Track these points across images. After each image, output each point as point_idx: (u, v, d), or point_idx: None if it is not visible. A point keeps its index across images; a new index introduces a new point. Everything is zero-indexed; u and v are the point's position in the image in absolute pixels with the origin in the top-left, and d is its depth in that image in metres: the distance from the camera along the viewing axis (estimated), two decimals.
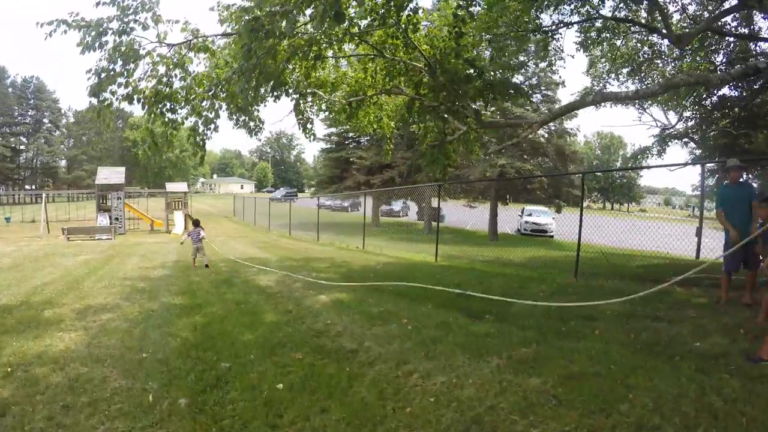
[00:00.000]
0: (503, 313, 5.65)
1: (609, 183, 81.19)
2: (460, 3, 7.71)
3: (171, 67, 6.41)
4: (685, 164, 22.44)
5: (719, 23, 11.29)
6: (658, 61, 14.62)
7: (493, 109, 19.98)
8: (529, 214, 28.24)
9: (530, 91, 23.86)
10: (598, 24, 11.76)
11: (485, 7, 10.03)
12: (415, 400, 3.27)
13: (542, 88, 25.79)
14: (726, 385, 3.28)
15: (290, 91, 8.79)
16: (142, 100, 6.32)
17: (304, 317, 5.75)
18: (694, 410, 2.94)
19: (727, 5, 10.71)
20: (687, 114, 17.21)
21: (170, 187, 27.74)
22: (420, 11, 8.45)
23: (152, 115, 6.47)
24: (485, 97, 9.17)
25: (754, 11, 10.79)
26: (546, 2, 10.06)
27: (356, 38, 8.62)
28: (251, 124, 8.79)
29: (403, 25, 7.74)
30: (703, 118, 16.01)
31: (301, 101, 10.73)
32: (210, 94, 6.95)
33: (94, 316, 5.65)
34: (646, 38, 13.59)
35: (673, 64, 14.65)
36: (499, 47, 11.46)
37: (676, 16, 12.56)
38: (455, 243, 18.34)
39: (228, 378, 3.69)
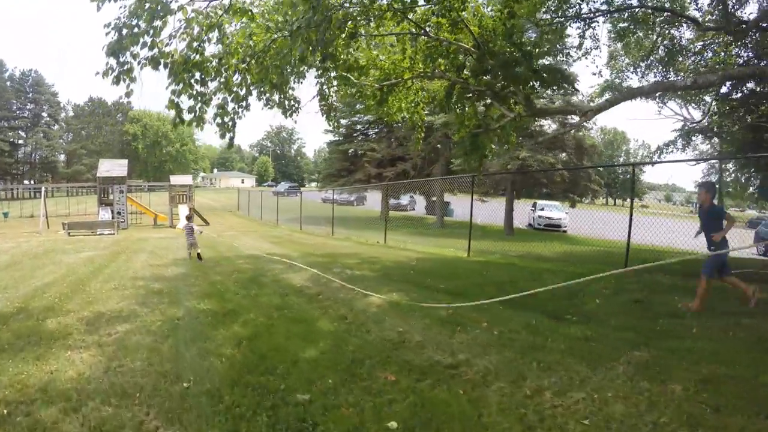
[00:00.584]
0: (583, 313, 5.26)
1: (612, 179, 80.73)
2: None
3: (205, 28, 5.31)
4: (708, 158, 21.71)
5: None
6: (680, 57, 13.94)
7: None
8: (542, 209, 27.70)
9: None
10: (638, 12, 11.30)
11: None
12: (569, 427, 2.69)
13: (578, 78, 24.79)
14: None
15: (333, 66, 7.80)
16: (168, 65, 5.23)
17: (366, 324, 4.80)
18: None
19: None
20: (705, 108, 16.57)
21: (174, 180, 26.60)
22: None
23: (181, 85, 5.37)
24: (536, 82, 8.62)
25: None
26: None
27: (399, 14, 7.65)
28: (286, 103, 7.72)
29: (450, 2, 6.93)
30: (728, 112, 15.25)
31: (326, 86, 9.82)
32: (244, 66, 5.88)
33: (108, 328, 4.61)
34: (667, 32, 12.99)
35: (693, 58, 14.04)
36: (543, 33, 10.87)
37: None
38: (474, 238, 17.60)
39: (314, 417, 2.69)
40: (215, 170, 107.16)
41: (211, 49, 5.73)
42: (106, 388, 3.08)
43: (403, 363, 3.57)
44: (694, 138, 18.00)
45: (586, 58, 12.93)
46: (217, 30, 5.49)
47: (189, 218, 11.97)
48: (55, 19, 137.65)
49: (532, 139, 18.53)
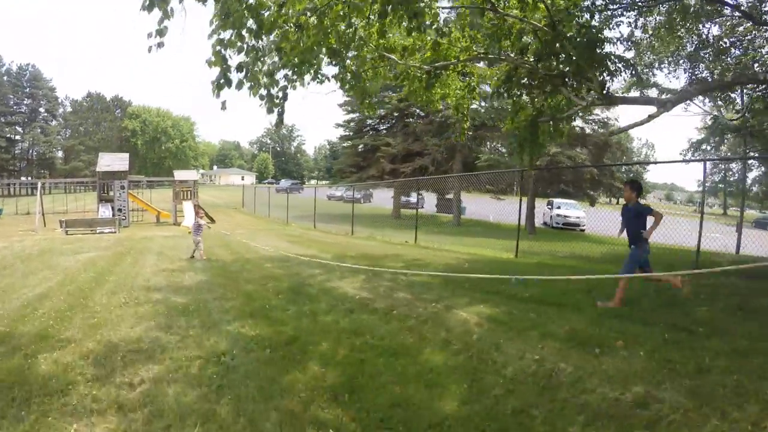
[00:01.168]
0: (701, 323, 4.31)
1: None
2: None
3: None
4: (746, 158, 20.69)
5: None
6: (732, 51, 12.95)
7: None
8: (558, 207, 26.67)
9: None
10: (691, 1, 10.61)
11: None
12: None
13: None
14: None
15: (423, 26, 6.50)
16: None
17: (486, 352, 3.57)
18: None
19: None
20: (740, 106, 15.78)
21: (179, 175, 25.10)
22: None
23: (231, 33, 3.89)
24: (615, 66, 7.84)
25: None
26: None
27: None
28: (348, 75, 6.32)
29: None
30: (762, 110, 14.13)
31: (360, 70, 8.52)
32: (305, 18, 4.41)
33: (128, 371, 3.18)
34: (695, 27, 12.13)
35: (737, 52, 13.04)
36: (605, 19, 9.86)
37: None
38: (497, 236, 16.63)
39: None
40: (215, 167, 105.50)
41: None
42: None
43: (581, 407, 2.34)
44: (727, 136, 16.99)
45: (632, 49, 11.86)
46: None
47: (198, 213, 10.59)
48: (53, 13, 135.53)
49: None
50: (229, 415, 2.52)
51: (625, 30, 11.65)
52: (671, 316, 4.58)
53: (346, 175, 29.66)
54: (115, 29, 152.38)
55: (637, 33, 11.31)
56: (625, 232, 5.46)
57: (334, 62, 5.95)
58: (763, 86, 11.88)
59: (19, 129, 71.25)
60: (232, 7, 3.68)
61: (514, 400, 2.68)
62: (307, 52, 4.70)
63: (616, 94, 9.62)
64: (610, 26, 9.38)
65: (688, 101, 19.21)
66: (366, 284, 6.63)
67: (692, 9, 10.59)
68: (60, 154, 76.43)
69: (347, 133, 31.21)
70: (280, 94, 4.71)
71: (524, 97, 9.14)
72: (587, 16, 7.89)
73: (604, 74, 7.75)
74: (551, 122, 8.75)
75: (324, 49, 5.13)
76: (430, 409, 2.55)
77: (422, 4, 4.49)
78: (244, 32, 3.96)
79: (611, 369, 3.24)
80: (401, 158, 26.88)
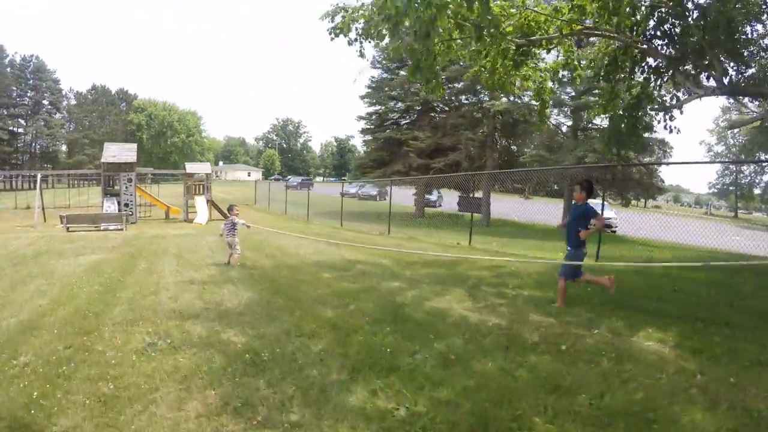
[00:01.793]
0: None
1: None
2: None
3: None
4: None
5: None
6: None
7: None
8: None
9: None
10: None
11: None
12: None
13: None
14: None
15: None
16: None
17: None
18: None
19: None
20: None
21: (191, 168, 23.17)
22: None
23: None
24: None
25: None
26: None
27: None
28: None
29: None
30: None
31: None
32: None
33: None
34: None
35: None
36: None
37: None
38: (536, 238, 15.39)
39: None
40: (221, 163, 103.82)
41: None
42: None
43: None
44: None
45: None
46: None
47: (231, 210, 8.63)
48: (58, 4, 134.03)
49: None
50: None
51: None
52: None
53: (368, 170, 27.63)
54: (119, 23, 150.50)
55: None
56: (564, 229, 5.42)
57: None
58: None
59: (22, 121, 69.51)
60: None
61: None
62: None
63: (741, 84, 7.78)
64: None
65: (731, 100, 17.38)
66: (477, 303, 4.80)
67: None
68: (64, 147, 74.70)
69: (369, 126, 29.18)
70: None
71: (624, 83, 7.71)
72: None
73: (738, 62, 6.91)
74: (666, 111, 7.45)
75: None
76: None
77: None
78: None
79: None
80: (428, 153, 24.95)
